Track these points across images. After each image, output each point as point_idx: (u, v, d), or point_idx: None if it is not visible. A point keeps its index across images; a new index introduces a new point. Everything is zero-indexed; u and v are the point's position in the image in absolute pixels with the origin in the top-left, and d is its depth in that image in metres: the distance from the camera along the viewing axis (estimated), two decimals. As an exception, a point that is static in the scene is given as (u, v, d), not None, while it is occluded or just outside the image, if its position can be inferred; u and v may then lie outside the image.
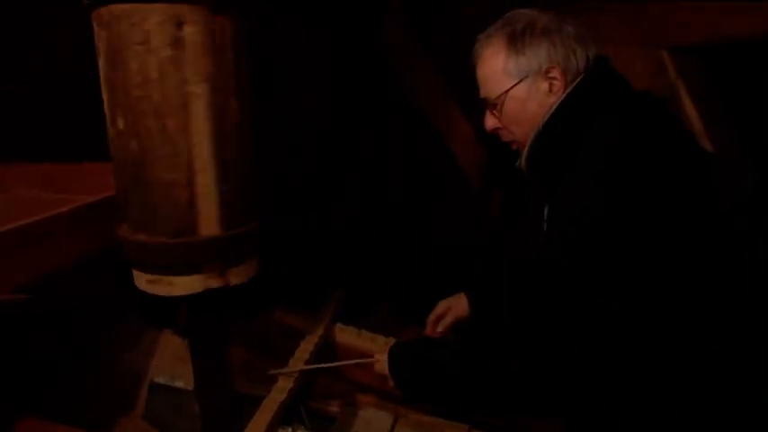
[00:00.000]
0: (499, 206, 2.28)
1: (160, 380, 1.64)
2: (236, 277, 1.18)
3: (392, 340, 1.60)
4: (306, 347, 1.48)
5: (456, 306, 1.47)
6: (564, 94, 1.11)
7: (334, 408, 1.50)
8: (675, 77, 1.43)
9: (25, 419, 1.21)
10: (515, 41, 1.13)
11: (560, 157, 1.10)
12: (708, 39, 1.36)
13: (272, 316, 1.72)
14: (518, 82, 1.13)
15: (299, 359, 1.43)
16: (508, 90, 1.14)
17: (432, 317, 1.49)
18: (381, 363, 1.30)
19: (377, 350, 1.58)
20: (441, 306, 1.49)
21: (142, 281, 1.19)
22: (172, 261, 1.13)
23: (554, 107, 1.11)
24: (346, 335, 1.64)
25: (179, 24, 1.00)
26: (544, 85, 1.12)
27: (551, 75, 1.11)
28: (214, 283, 1.16)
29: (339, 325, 1.66)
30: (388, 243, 2.14)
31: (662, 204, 0.96)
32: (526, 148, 1.16)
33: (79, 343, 1.56)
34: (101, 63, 1.08)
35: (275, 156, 1.88)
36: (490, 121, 1.22)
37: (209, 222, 1.11)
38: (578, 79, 1.11)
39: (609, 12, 1.58)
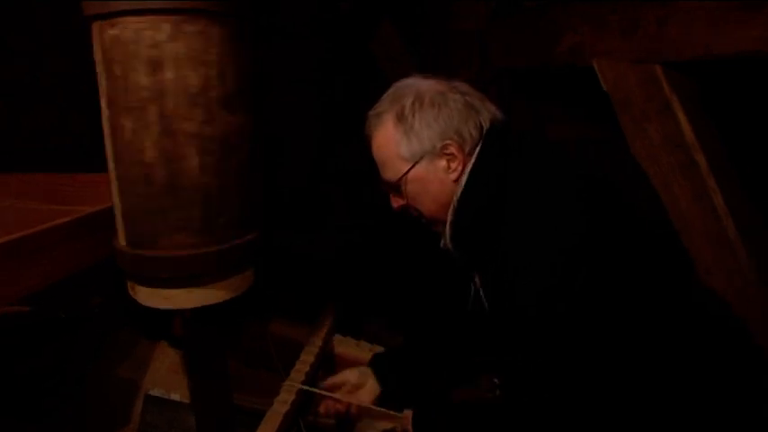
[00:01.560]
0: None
1: (155, 392, 1.62)
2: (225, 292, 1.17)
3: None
4: (306, 359, 1.47)
5: (357, 382, 1.41)
6: (469, 169, 1.11)
7: (332, 421, 1.49)
8: (669, 92, 1.46)
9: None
10: (404, 121, 1.12)
11: (486, 226, 1.10)
12: (701, 56, 1.39)
13: (269, 328, 1.70)
14: (414, 165, 1.13)
15: (300, 371, 1.42)
16: (405, 174, 1.14)
17: (330, 382, 1.43)
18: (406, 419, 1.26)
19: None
20: (341, 377, 1.43)
21: (141, 294, 1.17)
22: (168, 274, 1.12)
23: (462, 183, 1.11)
24: (345, 345, 1.64)
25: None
26: (442, 163, 1.12)
27: (447, 151, 1.11)
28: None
29: (337, 336, 1.66)
30: (381, 254, 2.14)
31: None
32: (447, 228, 1.15)
33: (75, 356, 1.53)
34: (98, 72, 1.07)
35: (266, 168, 1.89)
36: (395, 202, 1.22)
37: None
38: (477, 150, 1.11)
39: (603, 26, 1.62)
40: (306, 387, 1.36)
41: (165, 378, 1.65)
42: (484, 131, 1.12)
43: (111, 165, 1.09)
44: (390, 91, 1.18)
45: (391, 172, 1.16)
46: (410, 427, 1.23)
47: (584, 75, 1.70)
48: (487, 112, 1.13)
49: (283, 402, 1.29)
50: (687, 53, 1.43)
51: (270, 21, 2.04)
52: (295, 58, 2.24)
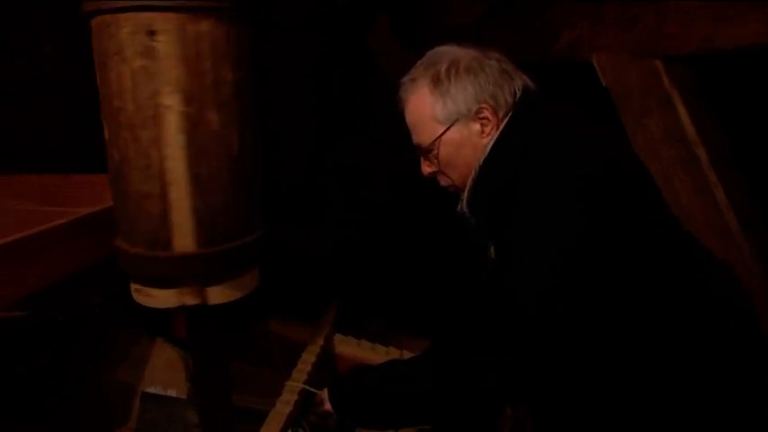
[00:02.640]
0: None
1: (152, 389, 1.61)
2: (217, 296, 1.15)
3: (392, 350, 1.60)
4: (308, 358, 1.47)
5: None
6: (497, 134, 1.10)
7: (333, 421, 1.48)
8: (670, 86, 1.45)
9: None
10: (440, 85, 1.11)
11: (502, 197, 1.08)
12: (701, 49, 1.39)
13: (270, 328, 1.69)
14: (449, 127, 1.12)
15: (302, 371, 1.41)
16: (440, 136, 1.12)
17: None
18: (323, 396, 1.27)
19: (377, 359, 1.58)
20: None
21: (131, 289, 1.18)
22: (148, 273, 1.12)
23: (488, 148, 1.10)
24: (346, 345, 1.63)
25: (150, 33, 0.96)
26: (476, 127, 1.11)
27: (482, 115, 1.10)
28: (190, 300, 1.13)
29: (338, 335, 1.65)
30: (382, 252, 2.13)
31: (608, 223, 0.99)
32: (465, 192, 1.14)
33: (75, 356, 1.52)
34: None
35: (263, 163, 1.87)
36: (426, 168, 1.20)
37: (183, 237, 1.07)
38: (509, 115, 1.10)
39: (603, 21, 1.61)
40: (308, 387, 1.35)
41: (163, 375, 1.64)
42: (517, 98, 1.11)
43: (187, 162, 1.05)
44: (425, 58, 1.16)
45: (425, 135, 1.15)
46: (328, 401, 1.24)
47: (583, 71, 1.69)
48: (521, 80, 1.12)
49: (286, 403, 1.28)
50: (687, 47, 1.42)
51: (267, 14, 2.03)
52: (292, 51, 2.22)
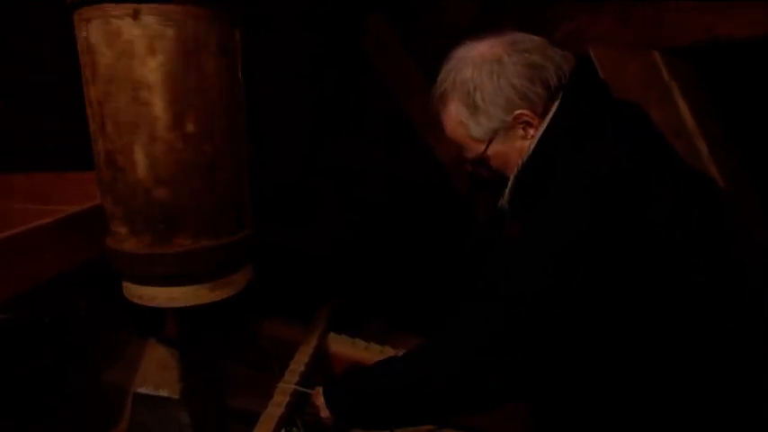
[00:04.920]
0: (487, 211, 2.27)
1: (144, 390, 1.59)
2: (191, 296, 1.14)
3: (387, 349, 1.57)
4: (301, 359, 1.44)
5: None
6: (538, 134, 1.06)
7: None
8: (669, 79, 1.43)
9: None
10: (467, 103, 1.07)
11: (539, 190, 1.05)
12: (700, 41, 1.36)
13: (263, 327, 1.67)
14: (489, 143, 1.09)
15: (295, 371, 1.38)
16: (483, 152, 1.10)
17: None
18: (317, 395, 1.26)
19: (371, 359, 1.55)
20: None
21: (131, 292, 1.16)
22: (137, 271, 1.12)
23: (530, 150, 1.06)
24: (340, 344, 1.60)
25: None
26: (518, 132, 1.08)
27: (521, 120, 1.06)
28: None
29: (332, 334, 1.62)
30: (378, 251, 2.10)
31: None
32: (508, 191, 1.11)
33: (62, 357, 1.49)
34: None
35: (256, 163, 1.84)
36: (483, 173, 1.18)
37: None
38: (551, 112, 1.05)
39: (601, 13, 1.59)
40: (300, 388, 1.32)
41: (155, 375, 1.62)
42: (553, 88, 1.05)
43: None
44: (447, 66, 1.11)
45: (470, 152, 1.13)
46: (322, 401, 1.22)
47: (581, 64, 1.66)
48: (552, 65, 1.05)
49: (277, 405, 1.25)
50: (687, 38, 1.40)
51: (260, 14, 2.00)
52: (285, 51, 2.19)
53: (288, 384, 1.33)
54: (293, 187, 2.19)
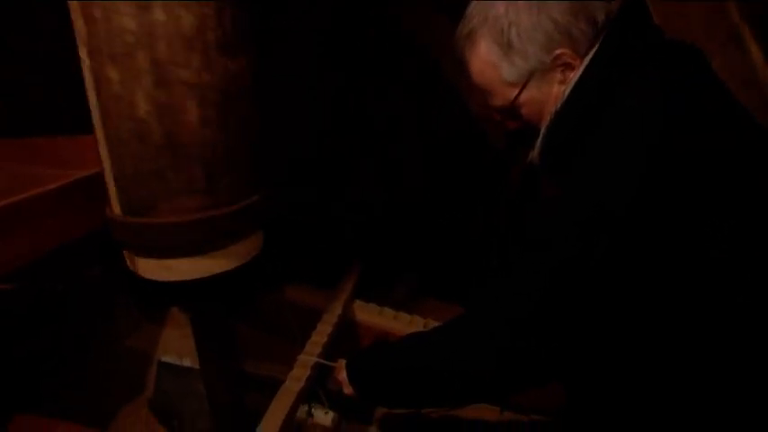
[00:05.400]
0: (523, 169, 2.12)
1: (167, 359, 1.56)
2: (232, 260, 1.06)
3: (416, 318, 1.49)
4: (323, 329, 1.36)
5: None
6: (576, 77, 0.90)
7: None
8: (739, 20, 1.24)
9: (22, 417, 1.11)
10: (500, 41, 0.91)
11: (576, 145, 0.90)
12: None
13: (286, 294, 1.59)
14: (523, 87, 0.93)
15: (317, 342, 1.31)
16: (515, 99, 0.95)
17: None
18: (340, 369, 1.18)
19: (399, 329, 1.47)
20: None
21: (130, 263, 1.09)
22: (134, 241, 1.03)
23: (565, 95, 0.90)
24: (367, 313, 1.52)
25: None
26: (556, 76, 0.92)
27: (560, 62, 0.90)
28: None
29: (358, 302, 1.54)
30: (409, 215, 1.99)
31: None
32: (538, 144, 0.96)
33: (76, 332, 1.46)
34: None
35: (284, 121, 1.74)
36: (510, 125, 1.03)
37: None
38: (591, 53, 0.89)
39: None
40: (322, 361, 1.25)
41: (178, 344, 1.59)
42: (599, 24, 0.90)
43: (98, 123, 0.96)
44: (476, 5, 0.96)
45: (498, 99, 0.98)
46: (344, 373, 1.14)
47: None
48: (602, 6, 0.90)
49: (297, 379, 1.18)
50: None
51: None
52: (305, 16, 2.04)
53: (309, 357, 1.26)
54: (320, 145, 2.07)
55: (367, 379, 1.13)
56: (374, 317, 1.50)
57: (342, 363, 1.21)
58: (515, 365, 0.91)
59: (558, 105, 0.91)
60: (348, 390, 1.18)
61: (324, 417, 1.32)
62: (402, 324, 1.47)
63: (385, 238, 1.86)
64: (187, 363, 1.54)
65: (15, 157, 1.31)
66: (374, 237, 1.85)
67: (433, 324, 1.45)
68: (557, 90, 0.93)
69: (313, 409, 1.33)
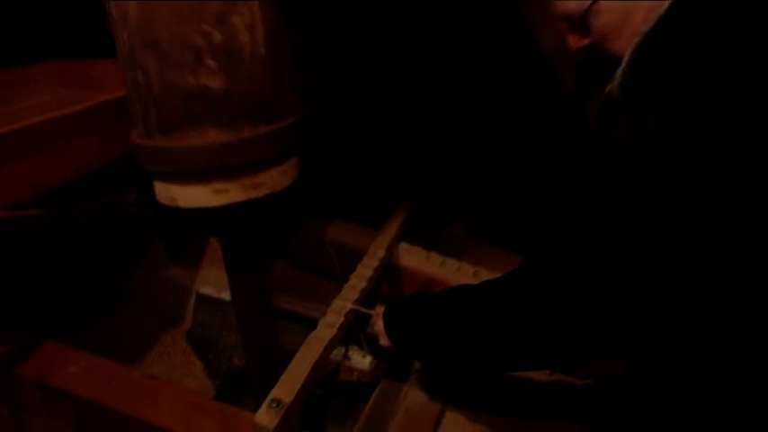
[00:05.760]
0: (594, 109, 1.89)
1: (206, 291, 1.52)
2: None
3: (465, 266, 1.37)
4: (363, 272, 1.26)
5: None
6: None
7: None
8: None
9: (45, 344, 1.08)
10: None
11: (665, 80, 0.74)
12: None
13: (326, 229, 1.50)
14: None
15: (355, 287, 1.21)
16: (593, 3, 0.78)
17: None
18: (377, 318, 1.11)
19: (446, 277, 1.36)
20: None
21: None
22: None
23: (660, 12, 0.72)
24: (412, 257, 1.40)
25: None
26: None
27: None
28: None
29: (404, 244, 1.43)
30: (464, 150, 1.82)
31: None
32: (620, 69, 0.79)
33: (117, 258, 1.43)
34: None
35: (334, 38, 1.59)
36: (575, 42, 0.86)
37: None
38: None
39: None
40: (356, 307, 1.16)
41: (216, 275, 1.55)
42: None
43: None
44: None
45: (573, 7, 0.82)
46: (381, 324, 1.08)
47: None
48: None
49: (329, 326, 1.10)
50: None
51: None
52: None
53: (344, 302, 1.17)
54: (380, 69, 1.91)
55: (404, 333, 1.04)
56: (420, 262, 1.39)
57: (379, 310, 1.13)
58: (578, 321, 0.77)
59: (651, 24, 0.73)
60: (384, 341, 1.09)
61: (361, 360, 1.25)
62: (449, 272, 1.35)
63: (438, 176, 1.72)
64: (225, 296, 1.49)
65: (49, 80, 1.25)
66: (427, 175, 1.71)
67: (485, 274, 1.33)
68: (645, 4, 0.75)
69: (350, 352, 1.26)
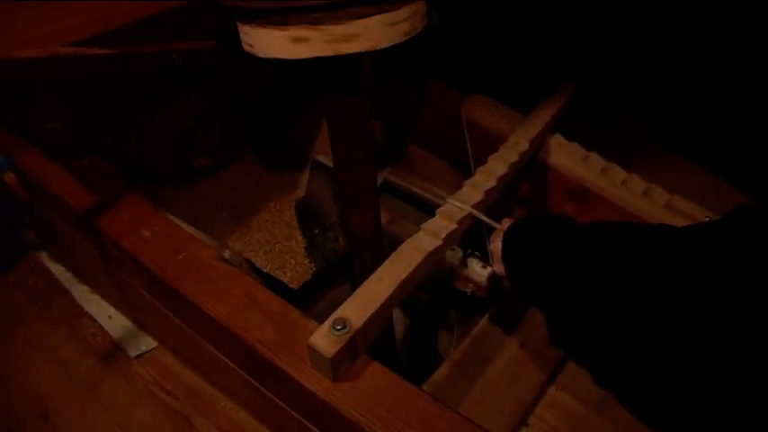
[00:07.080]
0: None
1: (321, 158, 1.36)
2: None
3: (634, 179, 1.03)
4: (494, 167, 0.97)
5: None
6: None
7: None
8: None
9: (129, 197, 0.98)
10: None
11: None
12: None
13: (464, 102, 1.19)
14: None
15: (478, 185, 0.93)
16: None
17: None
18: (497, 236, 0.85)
19: (606, 188, 1.03)
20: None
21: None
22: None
23: None
24: (565, 155, 1.07)
25: None
26: None
27: None
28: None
29: (558, 137, 1.10)
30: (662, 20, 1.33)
31: None
32: None
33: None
34: None
35: None
36: None
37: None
38: None
39: None
40: (476, 213, 0.89)
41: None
42: None
43: None
44: None
45: None
46: (499, 245, 0.83)
47: None
48: None
49: (433, 234, 0.84)
50: None
51: None
52: None
53: (461, 203, 0.90)
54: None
55: (526, 270, 0.77)
56: (574, 163, 1.06)
57: (504, 225, 0.86)
58: None
59: None
60: (499, 268, 0.84)
61: (479, 271, 1.00)
62: (612, 184, 1.02)
63: (618, 50, 1.29)
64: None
65: None
66: (602, 45, 1.29)
67: (660, 195, 0.99)
68: None
69: (469, 258, 1.02)
